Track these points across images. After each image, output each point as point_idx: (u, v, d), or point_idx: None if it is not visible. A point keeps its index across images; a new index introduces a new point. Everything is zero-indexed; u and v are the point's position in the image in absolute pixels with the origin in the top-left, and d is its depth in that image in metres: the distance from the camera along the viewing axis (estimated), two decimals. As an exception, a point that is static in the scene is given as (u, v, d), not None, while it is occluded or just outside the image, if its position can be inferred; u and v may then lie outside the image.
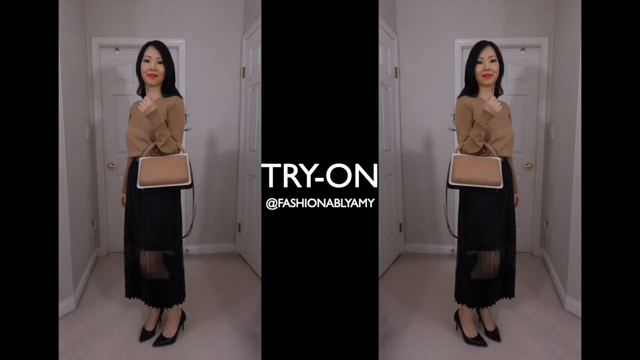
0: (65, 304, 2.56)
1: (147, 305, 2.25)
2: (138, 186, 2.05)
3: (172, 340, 2.26)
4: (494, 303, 2.26)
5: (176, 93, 2.28)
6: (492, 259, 2.14)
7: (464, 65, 2.31)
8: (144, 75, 2.19)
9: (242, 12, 3.59)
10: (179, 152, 2.18)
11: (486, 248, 2.13)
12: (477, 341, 2.25)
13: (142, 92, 2.29)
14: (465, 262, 2.20)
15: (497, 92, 2.26)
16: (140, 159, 2.10)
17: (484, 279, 2.19)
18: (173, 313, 2.32)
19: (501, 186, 2.04)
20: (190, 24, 3.49)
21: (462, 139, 2.19)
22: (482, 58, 2.16)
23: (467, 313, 2.31)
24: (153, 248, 2.14)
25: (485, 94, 2.19)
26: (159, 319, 2.39)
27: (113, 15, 3.40)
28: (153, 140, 2.15)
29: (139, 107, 2.04)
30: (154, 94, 2.22)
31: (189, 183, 2.09)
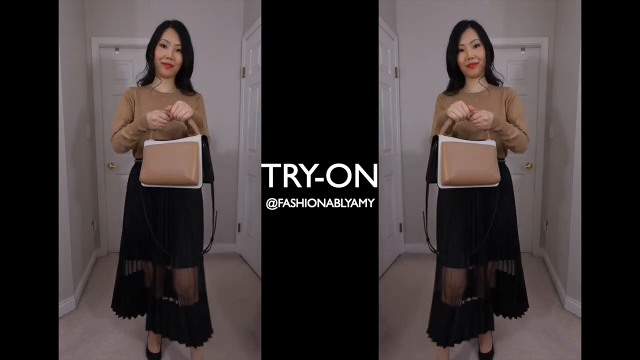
0: (65, 304, 2.56)
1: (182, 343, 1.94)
2: (143, 184, 1.71)
3: None
4: (476, 336, 2.01)
5: (191, 87, 1.96)
6: (456, 277, 1.83)
7: None
8: (157, 63, 1.83)
9: (242, 12, 3.59)
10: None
11: (457, 264, 1.83)
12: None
13: (146, 80, 1.92)
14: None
15: (494, 81, 1.94)
16: (146, 144, 1.71)
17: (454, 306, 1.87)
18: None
19: (498, 183, 1.71)
20: (190, 24, 3.48)
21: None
22: (463, 45, 1.85)
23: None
24: (189, 264, 1.84)
25: (474, 86, 1.87)
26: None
27: (113, 15, 3.40)
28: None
29: (174, 112, 1.66)
30: (166, 86, 1.87)
31: (198, 186, 1.67)
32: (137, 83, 1.96)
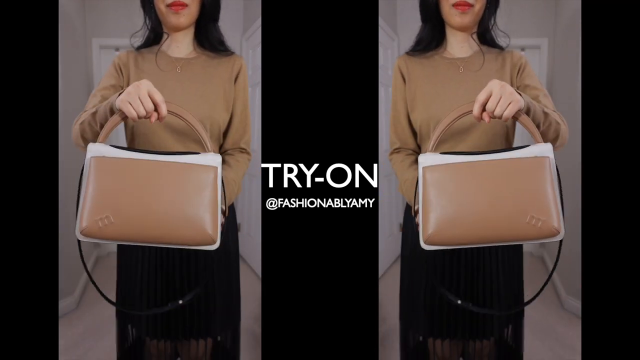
0: (65, 304, 2.56)
1: None
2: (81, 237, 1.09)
3: None
4: None
5: (223, 43, 1.31)
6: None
7: None
8: (160, 7, 1.16)
9: (242, 12, 3.60)
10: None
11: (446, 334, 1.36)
12: None
13: (148, 41, 1.28)
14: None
15: (493, 43, 1.28)
16: (92, 152, 1.06)
17: None
18: None
19: (562, 234, 1.01)
20: (190, 24, 3.49)
21: (393, 144, 1.33)
22: None
23: None
24: (210, 333, 1.38)
25: (460, 46, 1.20)
26: None
27: (113, 15, 3.40)
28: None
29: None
30: (181, 45, 1.21)
31: (216, 244, 1.02)
32: (136, 47, 1.29)
